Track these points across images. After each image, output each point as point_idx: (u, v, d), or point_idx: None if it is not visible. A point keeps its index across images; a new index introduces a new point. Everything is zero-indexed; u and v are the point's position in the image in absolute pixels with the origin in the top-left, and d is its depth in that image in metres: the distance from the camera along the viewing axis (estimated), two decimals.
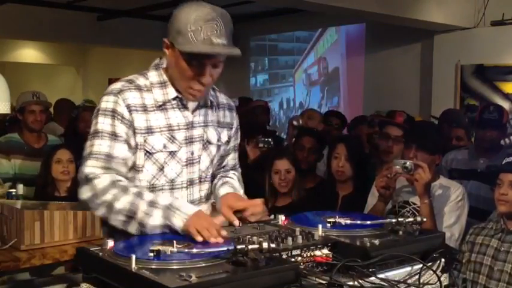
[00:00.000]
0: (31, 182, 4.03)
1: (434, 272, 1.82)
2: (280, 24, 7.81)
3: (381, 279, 1.68)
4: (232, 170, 2.35)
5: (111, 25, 7.89)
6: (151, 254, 1.55)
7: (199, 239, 1.78)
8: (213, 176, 2.28)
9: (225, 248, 1.58)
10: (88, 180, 1.98)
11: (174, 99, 2.08)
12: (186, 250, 1.59)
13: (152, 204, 1.95)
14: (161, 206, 1.95)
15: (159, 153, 2.05)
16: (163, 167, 2.07)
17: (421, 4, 5.43)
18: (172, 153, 2.07)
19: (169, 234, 1.92)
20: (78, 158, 3.96)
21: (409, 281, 1.77)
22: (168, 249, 1.56)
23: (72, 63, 11.78)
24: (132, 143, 2.03)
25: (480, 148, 3.80)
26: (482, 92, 5.72)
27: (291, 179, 3.59)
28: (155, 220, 1.93)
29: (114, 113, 2.02)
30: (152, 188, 2.06)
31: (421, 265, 1.78)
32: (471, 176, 3.16)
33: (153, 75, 2.11)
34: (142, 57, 10.02)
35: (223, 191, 2.20)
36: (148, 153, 2.05)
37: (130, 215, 1.95)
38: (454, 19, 5.73)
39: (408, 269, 1.79)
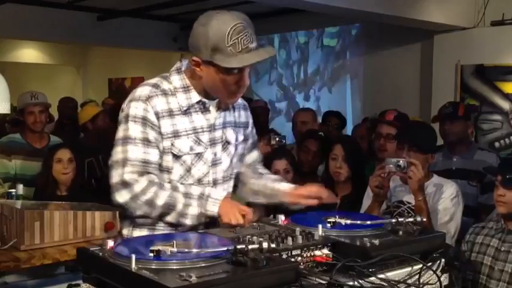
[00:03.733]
0: (32, 182, 4.03)
1: (434, 272, 1.82)
2: (280, 24, 7.80)
3: (381, 279, 1.68)
4: (259, 163, 2.49)
5: (111, 25, 7.87)
6: (151, 254, 1.55)
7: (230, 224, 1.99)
8: (238, 175, 2.39)
9: (225, 248, 1.58)
10: (126, 184, 2.07)
11: (197, 103, 2.15)
12: (186, 250, 1.59)
13: (187, 195, 2.09)
14: (195, 196, 2.09)
15: (186, 155, 2.14)
16: (190, 168, 2.16)
17: (421, 4, 5.42)
18: (198, 155, 2.16)
19: (170, 233, 1.93)
20: (79, 156, 3.99)
21: (409, 281, 1.78)
22: (168, 249, 1.56)
23: (72, 63, 11.77)
24: (161, 147, 2.12)
25: (450, 146, 3.91)
26: (482, 92, 5.71)
27: (289, 179, 3.59)
28: (194, 210, 2.08)
29: (144, 120, 2.09)
30: None
31: (421, 265, 1.79)
32: (447, 175, 3.23)
33: (176, 80, 2.16)
34: (142, 57, 10.03)
35: (282, 186, 2.34)
36: (176, 156, 2.13)
37: (171, 208, 2.08)
38: (454, 19, 5.72)
39: (408, 269, 1.79)
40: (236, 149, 2.30)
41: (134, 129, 2.08)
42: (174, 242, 1.61)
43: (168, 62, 8.93)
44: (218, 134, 2.21)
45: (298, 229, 1.84)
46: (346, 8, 5.02)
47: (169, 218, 2.11)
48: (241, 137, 2.33)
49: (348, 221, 1.93)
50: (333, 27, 7.66)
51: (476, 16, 5.75)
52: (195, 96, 2.15)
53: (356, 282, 1.62)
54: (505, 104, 5.59)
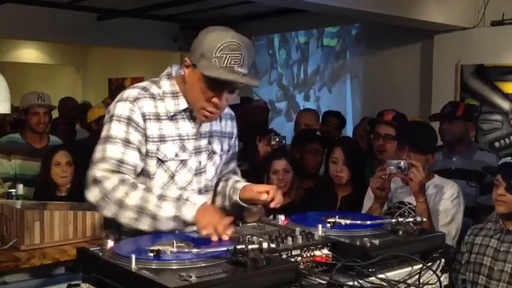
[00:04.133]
0: (32, 182, 4.03)
1: (434, 272, 1.82)
2: (280, 24, 7.81)
3: (381, 279, 1.68)
4: (233, 174, 2.42)
5: (111, 25, 7.87)
6: (151, 254, 1.55)
7: (206, 234, 1.81)
8: (217, 183, 2.34)
9: (225, 248, 1.58)
10: (97, 182, 2.01)
11: (184, 110, 2.13)
12: (186, 250, 1.59)
13: (162, 197, 1.99)
14: (171, 198, 1.99)
15: (171, 161, 2.11)
16: (174, 175, 2.12)
17: (421, 4, 5.42)
18: (183, 162, 2.13)
19: (170, 234, 1.93)
20: (78, 159, 3.99)
21: (409, 281, 1.78)
22: (168, 249, 1.56)
23: (72, 63, 11.77)
24: (143, 150, 2.08)
25: (449, 146, 3.89)
26: (482, 92, 5.71)
27: (289, 179, 3.59)
28: (167, 212, 1.97)
29: (129, 120, 2.06)
30: None
31: (421, 265, 1.79)
32: (447, 174, 3.23)
33: (166, 85, 2.15)
34: (142, 57, 10.03)
35: (241, 184, 2.25)
36: (161, 161, 2.10)
37: (142, 210, 1.97)
38: (454, 19, 5.72)
39: (408, 269, 1.80)
40: (221, 159, 2.28)
41: (117, 129, 2.05)
42: (174, 242, 1.61)
43: (168, 62, 8.91)
44: (203, 142, 2.19)
45: (298, 229, 1.84)
46: (346, 8, 5.03)
47: (141, 225, 1.98)
48: (226, 147, 2.31)
49: (348, 221, 1.93)
50: (333, 27, 7.66)
51: (476, 16, 5.75)
52: (183, 103, 2.13)
53: (356, 282, 1.62)
54: (505, 104, 5.59)
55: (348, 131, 6.37)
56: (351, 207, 3.15)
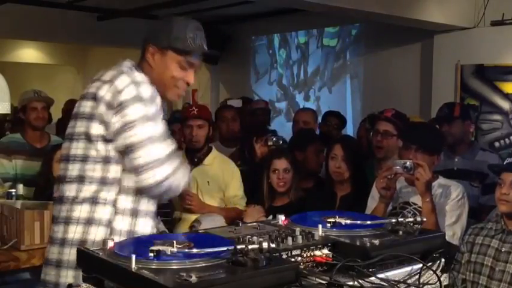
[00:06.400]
0: (32, 182, 4.03)
1: (434, 272, 1.82)
2: (280, 24, 7.81)
3: (381, 279, 1.68)
4: None
5: (111, 25, 7.87)
6: (151, 254, 1.55)
7: None
8: None
9: (225, 248, 1.58)
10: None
11: None
12: (186, 250, 1.58)
13: None
14: None
15: None
16: None
17: (421, 4, 5.42)
18: None
19: (170, 233, 1.93)
20: None
21: (409, 281, 1.77)
22: (168, 249, 1.56)
23: (72, 63, 11.76)
24: None
25: (451, 147, 3.89)
26: (482, 92, 5.71)
27: (289, 178, 3.59)
28: None
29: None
30: None
31: (421, 265, 1.79)
32: (449, 175, 3.23)
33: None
34: None
35: None
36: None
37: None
38: (454, 19, 5.72)
39: (408, 269, 1.79)
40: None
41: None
42: (174, 242, 1.61)
43: None
44: None
45: (298, 229, 1.84)
46: (346, 8, 5.03)
47: None
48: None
49: (348, 221, 1.93)
50: (333, 27, 7.67)
51: (476, 16, 5.75)
52: None
53: (356, 282, 1.62)
54: (505, 104, 5.60)
55: (349, 131, 6.37)
56: (350, 207, 3.15)
